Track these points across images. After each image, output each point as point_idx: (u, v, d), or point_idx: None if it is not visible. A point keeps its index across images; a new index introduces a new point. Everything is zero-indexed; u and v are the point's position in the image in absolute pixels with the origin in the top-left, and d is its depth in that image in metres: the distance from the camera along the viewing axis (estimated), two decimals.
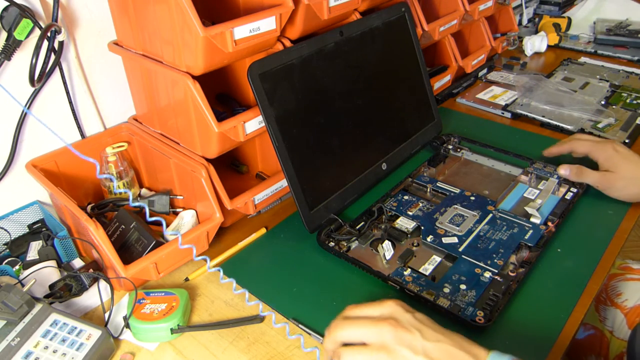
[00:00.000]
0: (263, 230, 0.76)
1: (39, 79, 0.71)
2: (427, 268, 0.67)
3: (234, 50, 0.64)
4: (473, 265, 0.66)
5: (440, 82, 1.11)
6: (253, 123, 0.70)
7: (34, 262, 0.68)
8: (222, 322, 0.62)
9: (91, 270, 0.66)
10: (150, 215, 0.66)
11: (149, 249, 0.66)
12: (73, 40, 0.76)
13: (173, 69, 0.67)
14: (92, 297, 0.66)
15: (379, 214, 0.76)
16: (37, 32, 0.68)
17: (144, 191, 0.83)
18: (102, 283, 0.66)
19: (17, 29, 0.66)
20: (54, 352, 0.54)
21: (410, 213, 0.76)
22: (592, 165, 0.79)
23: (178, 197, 0.77)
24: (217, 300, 0.66)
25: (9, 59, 0.68)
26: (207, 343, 0.60)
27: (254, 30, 0.65)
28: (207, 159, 0.71)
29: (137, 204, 0.70)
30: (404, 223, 0.74)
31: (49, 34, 0.70)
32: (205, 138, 0.69)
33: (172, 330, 0.59)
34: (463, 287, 0.63)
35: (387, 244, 0.69)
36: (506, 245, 0.69)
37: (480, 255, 0.67)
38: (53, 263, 0.68)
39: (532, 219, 0.73)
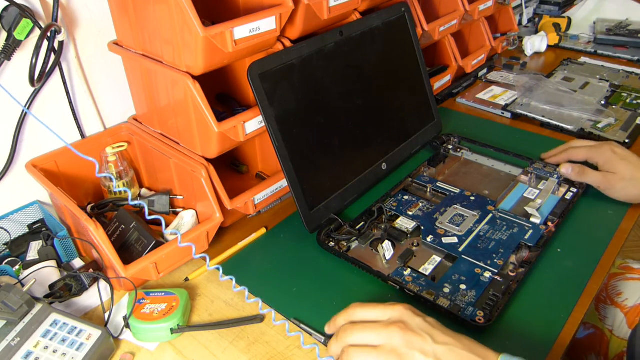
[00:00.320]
0: (263, 230, 0.76)
1: (39, 79, 0.71)
2: (427, 268, 0.67)
3: (234, 50, 0.64)
4: (473, 265, 0.66)
5: (440, 82, 1.11)
6: (253, 123, 0.70)
7: (34, 262, 0.68)
8: (222, 322, 0.62)
9: (91, 270, 0.66)
10: (150, 215, 0.67)
11: (149, 249, 0.66)
12: (73, 40, 0.76)
13: (173, 69, 0.67)
14: (92, 297, 0.66)
15: (379, 214, 0.76)
16: (37, 32, 0.68)
17: (144, 191, 0.83)
18: (102, 283, 0.66)
19: (17, 29, 0.66)
20: (54, 352, 0.54)
21: (410, 213, 0.76)
22: (594, 166, 0.79)
23: (178, 197, 0.77)
24: (217, 300, 0.66)
25: (9, 59, 0.68)
26: (207, 343, 0.60)
27: (254, 30, 0.65)
28: (207, 159, 0.71)
29: (136, 202, 0.70)
30: (404, 223, 0.74)
31: (49, 34, 0.70)
32: (205, 138, 0.69)
33: (172, 330, 0.59)
34: (463, 287, 0.63)
35: (387, 244, 0.69)
36: (506, 245, 0.69)
37: (480, 255, 0.67)
38: (53, 263, 0.68)
39: (532, 219, 0.73)
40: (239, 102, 0.85)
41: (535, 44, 1.35)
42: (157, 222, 0.67)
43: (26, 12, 0.67)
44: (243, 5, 0.74)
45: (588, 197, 0.79)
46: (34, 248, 0.71)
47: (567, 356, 0.57)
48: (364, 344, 0.51)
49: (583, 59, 1.30)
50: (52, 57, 0.73)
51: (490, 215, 0.75)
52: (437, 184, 0.82)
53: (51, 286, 0.64)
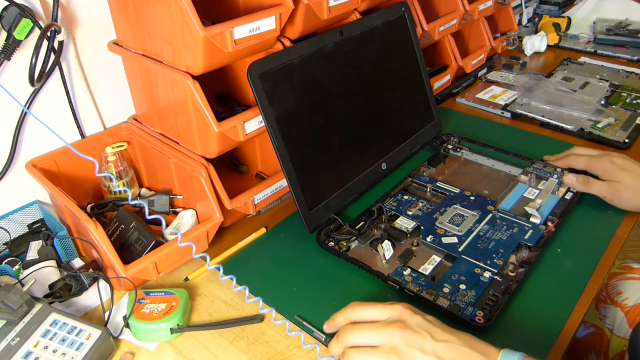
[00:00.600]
0: (263, 230, 0.76)
1: (39, 79, 0.71)
2: (427, 268, 0.67)
3: (234, 50, 0.64)
4: (473, 266, 0.66)
5: (440, 82, 1.11)
6: (253, 123, 0.70)
7: (34, 262, 0.68)
8: (222, 322, 0.62)
9: (91, 270, 0.66)
10: (150, 215, 0.67)
11: (149, 249, 0.66)
12: (73, 40, 0.76)
13: (173, 69, 0.67)
14: (92, 297, 0.66)
15: (379, 214, 0.76)
16: (37, 32, 0.68)
17: (144, 191, 0.83)
18: (102, 283, 0.66)
19: (17, 29, 0.66)
20: (54, 352, 0.54)
21: (410, 213, 0.76)
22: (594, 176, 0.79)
23: (178, 197, 0.77)
24: (217, 300, 0.66)
25: (9, 59, 0.68)
26: (207, 343, 0.60)
27: (254, 30, 0.65)
28: (207, 159, 0.71)
29: (136, 202, 0.70)
30: (404, 223, 0.74)
31: (49, 34, 0.70)
32: (205, 138, 0.69)
33: (172, 330, 0.59)
34: (463, 287, 0.63)
35: (387, 244, 0.69)
36: (506, 246, 0.69)
37: (480, 256, 0.67)
38: (53, 263, 0.68)
39: (532, 219, 0.73)
40: (239, 102, 0.85)
41: (535, 44, 1.35)
42: (157, 222, 0.67)
43: (26, 12, 0.67)
44: (243, 5, 0.74)
45: (588, 198, 0.79)
46: (34, 248, 0.71)
47: (567, 355, 0.57)
48: (364, 345, 0.51)
49: (583, 59, 1.30)
50: (52, 57, 0.73)
51: (490, 215, 0.75)
52: (437, 184, 0.82)
53: (51, 286, 0.64)
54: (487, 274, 0.65)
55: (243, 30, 0.64)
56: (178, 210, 0.76)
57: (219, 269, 0.66)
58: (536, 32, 1.45)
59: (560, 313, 0.60)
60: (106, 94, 0.83)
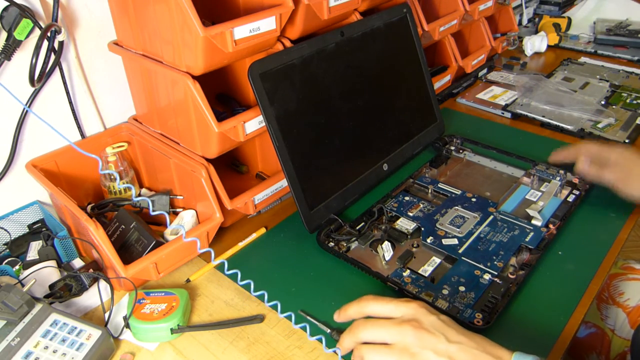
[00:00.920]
0: (263, 230, 0.76)
1: (39, 79, 0.71)
2: (427, 269, 0.67)
3: (234, 50, 0.64)
4: (473, 267, 0.66)
5: (440, 82, 1.11)
6: (253, 123, 0.70)
7: (34, 262, 0.68)
8: (222, 322, 0.62)
9: (91, 270, 0.66)
10: (153, 212, 0.66)
11: (149, 249, 0.66)
12: (73, 40, 0.76)
13: (173, 69, 0.67)
14: (92, 297, 0.66)
15: (380, 215, 0.76)
16: (37, 32, 0.68)
17: (144, 191, 0.83)
18: (102, 283, 0.66)
19: (17, 29, 0.66)
20: (54, 352, 0.54)
21: (411, 214, 0.76)
22: None
23: (178, 197, 0.77)
24: (217, 300, 0.66)
25: (9, 59, 0.67)
26: (207, 343, 0.60)
27: (254, 30, 0.65)
28: (207, 159, 0.71)
29: (140, 199, 0.70)
30: (404, 224, 0.74)
31: (49, 34, 0.70)
32: (205, 138, 0.69)
33: (172, 330, 0.59)
34: (462, 288, 0.63)
35: (386, 244, 0.69)
36: (506, 248, 0.69)
37: (480, 257, 0.67)
38: (53, 263, 0.68)
39: (533, 221, 0.73)
40: (239, 102, 0.85)
41: (535, 44, 1.35)
42: (157, 222, 0.67)
43: (26, 12, 0.67)
44: (243, 5, 0.74)
45: (590, 200, 0.79)
46: (34, 248, 0.71)
47: (568, 355, 0.57)
48: (377, 341, 0.51)
49: (583, 59, 1.30)
50: (52, 57, 0.73)
51: (491, 217, 0.75)
52: (439, 185, 0.82)
53: (51, 286, 0.64)
54: (487, 276, 0.65)
55: (243, 30, 0.64)
56: (178, 210, 0.76)
57: (223, 264, 0.66)
58: (536, 32, 1.45)
59: (561, 315, 0.60)
60: (106, 94, 0.83)
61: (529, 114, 1.03)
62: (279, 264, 0.70)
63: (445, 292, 0.63)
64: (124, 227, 0.69)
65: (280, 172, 0.75)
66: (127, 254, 0.67)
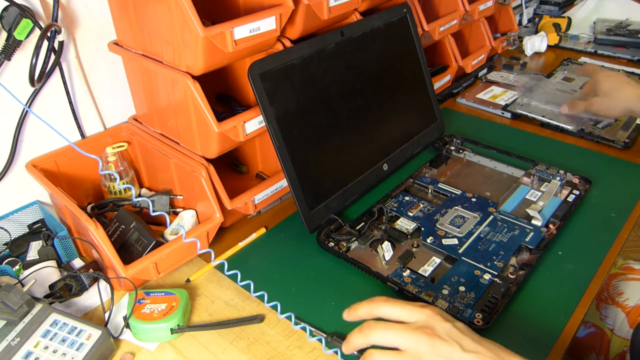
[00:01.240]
0: (263, 230, 0.76)
1: (39, 79, 0.71)
2: (427, 269, 0.67)
3: (234, 50, 0.64)
4: (472, 267, 0.66)
5: (440, 82, 1.11)
6: (253, 123, 0.70)
7: (34, 262, 0.68)
8: (222, 322, 0.62)
9: (91, 270, 0.66)
10: (153, 213, 0.66)
11: (149, 249, 0.66)
12: (73, 40, 0.76)
13: (173, 69, 0.67)
14: (92, 297, 0.66)
15: (380, 215, 0.76)
16: (37, 32, 0.68)
17: (144, 191, 0.83)
18: (102, 283, 0.66)
19: (17, 29, 0.66)
20: (54, 352, 0.54)
21: (411, 214, 0.76)
22: None
23: (178, 197, 0.77)
24: (217, 300, 0.66)
25: (9, 59, 0.67)
26: (207, 343, 0.60)
27: (254, 30, 0.65)
28: (207, 159, 0.71)
29: (140, 199, 0.70)
30: (404, 224, 0.74)
31: (49, 34, 0.70)
32: (205, 138, 0.69)
33: (172, 330, 0.59)
34: (462, 288, 0.63)
35: (386, 244, 0.69)
36: (506, 248, 0.69)
37: (480, 257, 0.67)
38: (53, 263, 0.68)
39: (533, 221, 0.73)
40: (239, 102, 0.85)
41: (535, 44, 1.35)
42: (157, 222, 0.67)
43: (26, 12, 0.67)
44: (243, 5, 0.74)
45: (590, 200, 0.79)
46: (34, 248, 0.71)
47: (567, 355, 0.57)
48: (388, 345, 0.49)
49: (583, 59, 1.30)
50: (52, 57, 0.73)
51: (491, 217, 0.75)
52: (439, 185, 0.82)
53: (51, 286, 0.64)
54: (487, 276, 0.65)
55: (243, 30, 0.64)
56: (178, 210, 0.76)
57: (223, 264, 0.66)
58: (536, 32, 1.45)
59: (561, 315, 0.60)
60: (106, 94, 0.83)
61: (529, 114, 1.03)
62: (279, 264, 0.70)
63: (445, 292, 0.63)
64: (124, 227, 0.69)
65: (280, 172, 0.75)
66: (127, 254, 0.67)
